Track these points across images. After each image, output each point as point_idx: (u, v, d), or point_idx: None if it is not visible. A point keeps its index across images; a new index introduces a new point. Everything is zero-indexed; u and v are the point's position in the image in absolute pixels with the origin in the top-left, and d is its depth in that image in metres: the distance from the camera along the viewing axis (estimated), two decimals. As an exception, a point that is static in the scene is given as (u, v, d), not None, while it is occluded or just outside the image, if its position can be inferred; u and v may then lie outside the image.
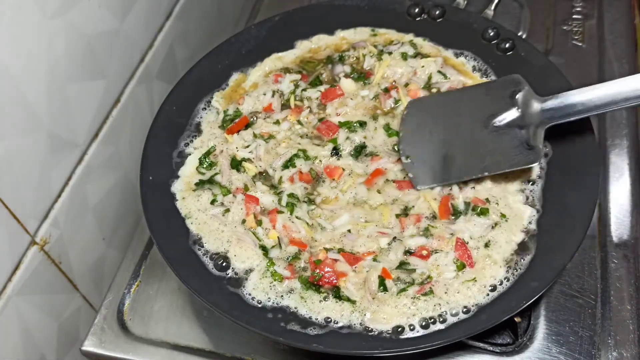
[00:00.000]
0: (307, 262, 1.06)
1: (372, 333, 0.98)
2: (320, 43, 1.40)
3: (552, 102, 1.10)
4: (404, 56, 1.32)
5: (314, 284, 1.03)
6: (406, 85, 1.30)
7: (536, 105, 1.11)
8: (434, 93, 1.27)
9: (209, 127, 1.27)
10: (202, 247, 1.09)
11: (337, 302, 1.01)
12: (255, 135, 1.25)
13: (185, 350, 1.13)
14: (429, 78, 1.30)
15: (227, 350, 1.12)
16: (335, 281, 1.03)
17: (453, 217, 1.10)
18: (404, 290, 1.02)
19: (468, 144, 1.16)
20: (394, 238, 1.08)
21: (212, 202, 1.15)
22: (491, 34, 1.33)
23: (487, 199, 1.11)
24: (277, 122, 1.27)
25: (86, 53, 1.23)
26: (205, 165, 1.20)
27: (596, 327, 1.10)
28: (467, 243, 1.06)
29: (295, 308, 1.01)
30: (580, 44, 1.52)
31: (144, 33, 1.44)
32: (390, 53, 1.33)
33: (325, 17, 1.40)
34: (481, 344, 1.09)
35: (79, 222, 1.31)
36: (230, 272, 1.06)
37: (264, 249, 1.08)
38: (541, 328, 1.10)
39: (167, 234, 1.09)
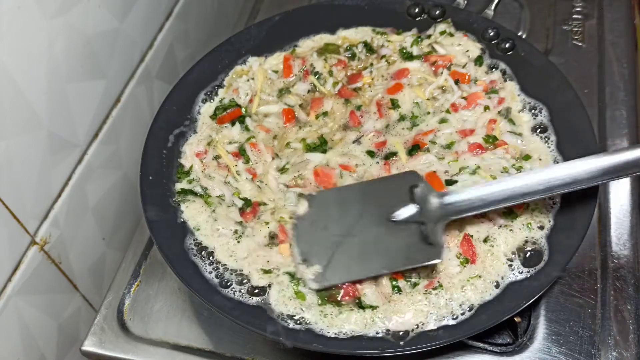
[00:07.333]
0: None
1: (378, 335, 0.98)
2: (321, 42, 1.39)
3: (450, 198, 1.06)
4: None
5: (335, 301, 1.02)
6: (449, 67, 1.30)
7: (434, 201, 1.07)
8: (329, 189, 1.16)
9: (202, 121, 1.27)
10: (202, 245, 1.09)
11: (358, 311, 1.00)
12: (247, 129, 1.24)
13: (185, 350, 1.13)
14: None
15: (227, 350, 1.12)
16: (356, 292, 1.02)
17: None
18: (415, 285, 1.03)
19: (365, 241, 1.08)
20: None
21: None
22: (491, 34, 1.33)
23: (527, 204, 1.09)
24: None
25: (86, 53, 1.23)
26: (189, 181, 1.18)
27: (596, 327, 1.10)
28: (472, 237, 1.06)
29: (315, 323, 1.00)
30: (580, 44, 1.52)
31: (144, 33, 1.44)
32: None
33: (326, 17, 1.40)
34: (481, 344, 1.09)
35: (79, 222, 1.31)
36: (244, 287, 1.05)
37: (291, 275, 1.06)
38: (541, 328, 1.10)
39: (167, 234, 1.09)
